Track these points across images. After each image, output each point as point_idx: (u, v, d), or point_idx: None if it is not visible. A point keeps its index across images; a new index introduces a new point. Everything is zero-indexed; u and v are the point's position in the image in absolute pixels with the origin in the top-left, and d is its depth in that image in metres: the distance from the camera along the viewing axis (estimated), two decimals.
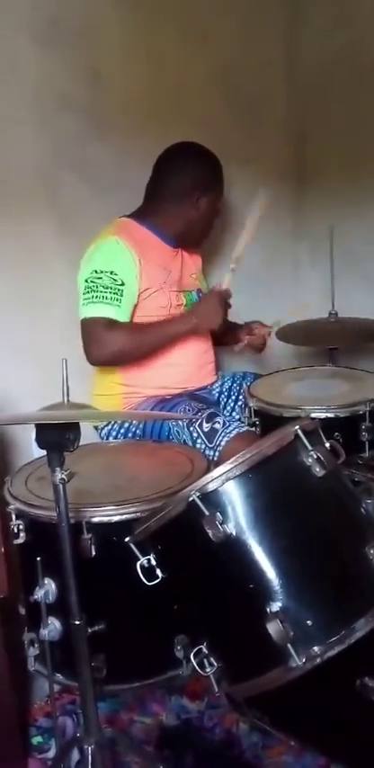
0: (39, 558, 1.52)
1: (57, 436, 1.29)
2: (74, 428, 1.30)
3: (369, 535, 1.38)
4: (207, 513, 1.31)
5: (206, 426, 2.01)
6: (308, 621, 1.30)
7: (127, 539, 1.42)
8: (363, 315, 2.46)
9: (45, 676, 1.62)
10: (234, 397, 2.34)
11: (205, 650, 1.38)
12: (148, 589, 1.38)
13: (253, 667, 1.34)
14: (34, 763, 1.69)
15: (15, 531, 1.62)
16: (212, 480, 1.33)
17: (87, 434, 1.76)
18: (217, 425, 2.01)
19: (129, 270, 2.09)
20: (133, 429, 2.14)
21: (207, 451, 1.97)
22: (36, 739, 1.75)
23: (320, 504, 1.41)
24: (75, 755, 1.54)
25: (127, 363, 2.15)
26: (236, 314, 2.34)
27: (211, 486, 1.33)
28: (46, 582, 1.54)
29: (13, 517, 1.63)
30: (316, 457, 1.37)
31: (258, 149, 2.77)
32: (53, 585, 1.54)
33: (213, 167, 2.23)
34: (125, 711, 1.81)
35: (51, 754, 1.69)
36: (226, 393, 2.36)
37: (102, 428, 2.18)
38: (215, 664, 1.37)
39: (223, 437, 1.98)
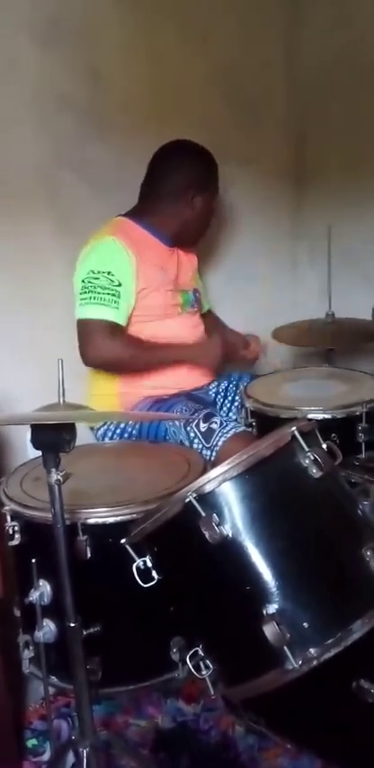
0: (34, 560, 1.52)
1: (53, 437, 1.29)
2: (69, 429, 1.29)
3: (366, 537, 1.37)
4: (203, 514, 1.30)
5: (203, 426, 2.00)
6: (305, 623, 1.29)
7: (123, 540, 1.41)
8: (362, 315, 2.46)
9: (40, 679, 1.61)
10: (230, 398, 2.34)
11: (201, 652, 1.37)
12: (144, 591, 1.37)
13: (250, 670, 1.33)
14: (29, 766, 1.68)
15: (10, 532, 1.61)
16: (209, 481, 1.32)
17: (83, 435, 1.76)
18: (214, 425, 2.00)
19: (126, 270, 2.08)
20: (129, 430, 2.14)
21: (204, 451, 1.96)
22: (31, 742, 1.74)
23: (317, 505, 1.40)
24: (71, 758, 1.53)
25: (119, 372, 2.15)
26: (236, 313, 2.34)
27: (208, 488, 1.32)
28: (41, 584, 1.53)
29: (9, 518, 1.62)
30: (313, 458, 1.36)
31: (258, 149, 2.76)
32: (48, 587, 1.53)
33: (208, 165, 2.23)
34: (120, 714, 1.80)
35: (46, 757, 1.68)
36: (222, 394, 2.35)
37: (98, 429, 2.17)
38: (211, 666, 1.37)
39: (220, 437, 1.98)
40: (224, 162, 2.28)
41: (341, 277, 2.51)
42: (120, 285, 2.06)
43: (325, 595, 1.33)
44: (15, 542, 1.61)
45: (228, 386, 2.36)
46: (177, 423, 2.06)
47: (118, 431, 2.15)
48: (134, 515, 1.52)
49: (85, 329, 2.06)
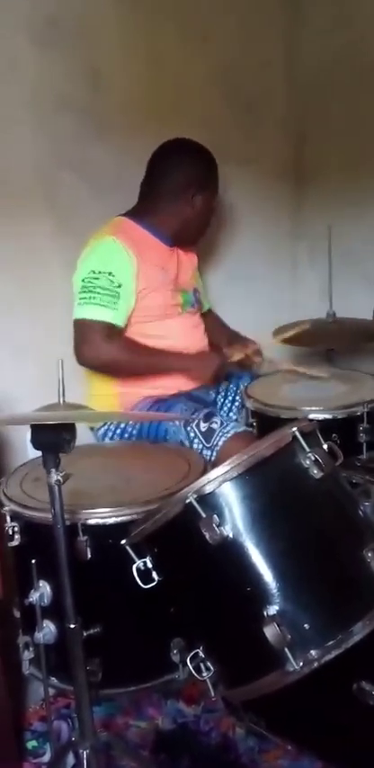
0: (34, 561, 1.51)
1: (53, 437, 1.28)
2: (69, 429, 1.29)
3: (367, 537, 1.37)
4: (204, 515, 1.30)
5: (203, 426, 2.00)
6: (306, 625, 1.28)
7: (123, 541, 1.40)
8: (363, 315, 2.45)
9: (40, 680, 1.61)
10: (231, 398, 2.33)
11: (201, 654, 1.37)
12: (144, 592, 1.36)
13: (250, 671, 1.33)
14: (29, 767, 1.68)
15: (10, 533, 1.60)
16: (209, 482, 1.32)
17: (83, 435, 1.75)
18: (214, 425, 2.00)
19: (127, 270, 2.08)
20: (129, 430, 2.13)
21: (204, 451, 1.96)
22: (31, 743, 1.74)
23: (318, 506, 1.40)
24: (71, 760, 1.53)
25: (115, 375, 2.14)
26: (236, 313, 2.33)
27: (208, 488, 1.32)
28: (41, 584, 1.53)
29: (8, 519, 1.62)
30: (313, 459, 1.36)
31: (258, 149, 2.76)
32: (48, 588, 1.53)
33: (208, 164, 2.23)
34: (121, 715, 1.79)
35: (46, 758, 1.68)
36: (222, 394, 2.35)
37: (99, 429, 2.17)
38: (211, 668, 1.36)
39: (220, 437, 1.97)
40: (224, 162, 2.28)
41: (341, 277, 2.50)
42: (120, 286, 2.05)
43: (326, 597, 1.33)
44: (15, 543, 1.61)
45: (229, 386, 2.36)
46: (177, 423, 2.06)
47: (118, 431, 2.14)
48: (134, 516, 1.52)
49: (82, 329, 2.05)
